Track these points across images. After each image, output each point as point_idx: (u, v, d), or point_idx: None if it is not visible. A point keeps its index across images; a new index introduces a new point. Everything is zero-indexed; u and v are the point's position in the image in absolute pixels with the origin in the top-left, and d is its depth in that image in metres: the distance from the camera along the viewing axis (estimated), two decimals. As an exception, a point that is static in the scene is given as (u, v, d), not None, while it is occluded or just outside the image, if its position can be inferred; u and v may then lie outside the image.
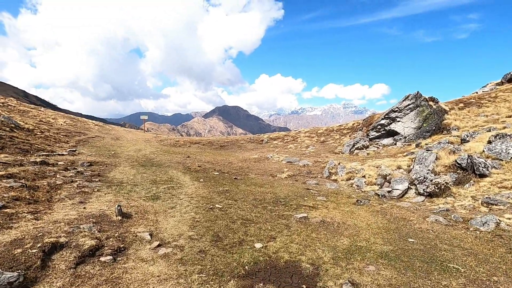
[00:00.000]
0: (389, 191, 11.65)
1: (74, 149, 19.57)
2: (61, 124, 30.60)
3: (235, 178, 13.95)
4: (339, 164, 15.77)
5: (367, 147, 19.73)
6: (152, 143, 29.16)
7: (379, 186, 12.65)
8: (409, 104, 19.47)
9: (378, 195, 11.62)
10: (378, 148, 19.59)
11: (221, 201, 9.75)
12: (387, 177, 12.66)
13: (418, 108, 19.36)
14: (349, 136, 23.31)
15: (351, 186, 13.35)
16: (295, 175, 14.89)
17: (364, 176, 13.67)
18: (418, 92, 19.51)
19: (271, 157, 20.13)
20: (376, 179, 13.13)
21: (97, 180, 11.76)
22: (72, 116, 40.31)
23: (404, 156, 16.23)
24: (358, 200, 10.62)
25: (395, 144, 19.84)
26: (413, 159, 13.95)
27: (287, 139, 27.83)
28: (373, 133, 21.13)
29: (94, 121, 41.37)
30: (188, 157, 20.51)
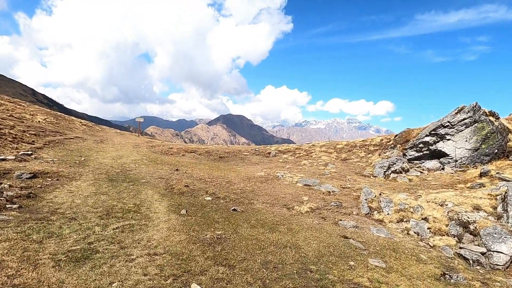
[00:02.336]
0: (483, 253, 7.14)
1: (31, 152, 15.32)
2: (38, 122, 26.50)
3: (233, 210, 9.52)
4: (380, 195, 11.29)
5: (407, 170, 15.25)
6: (141, 149, 24.90)
7: (456, 239, 8.15)
8: (464, 119, 15.06)
9: (465, 258, 7.11)
10: (422, 172, 15.10)
11: (204, 269, 5.30)
12: (470, 226, 8.15)
13: (476, 124, 14.95)
14: (379, 154, 18.86)
15: (408, 234, 8.85)
16: (320, 209, 10.43)
17: (425, 219, 9.19)
18: (476, 103, 15.17)
19: (282, 176, 15.70)
20: (447, 226, 8.64)
21: (15, 207, 7.40)
22: (58, 114, 36.34)
23: (468, 188, 11.75)
24: (443, 273, 6.13)
25: (443, 168, 15.37)
26: (499, 197, 9.45)
27: (299, 153, 23.42)
28: (412, 153, 16.68)
29: (82, 121, 37.36)
30: (177, 169, 16.17)
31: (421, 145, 16.23)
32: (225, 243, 6.58)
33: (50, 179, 10.99)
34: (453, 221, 8.65)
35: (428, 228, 8.77)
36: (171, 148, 26.31)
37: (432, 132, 15.78)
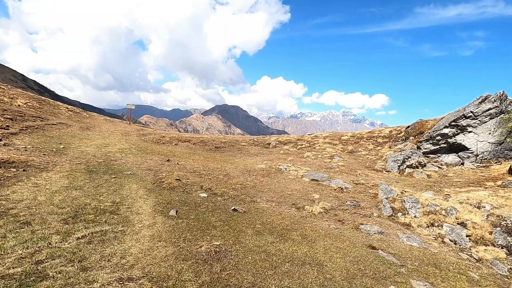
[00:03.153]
0: (548, 272, 5.68)
1: (0, 137, 13.46)
2: (18, 106, 24.38)
3: (234, 210, 7.94)
4: (402, 193, 9.80)
5: (423, 165, 13.80)
6: (130, 138, 23.06)
7: (505, 250, 6.71)
8: (489, 109, 13.59)
9: (527, 278, 5.64)
10: (441, 168, 13.67)
11: (198, 304, 3.72)
12: (523, 235, 6.69)
13: (501, 115, 13.49)
14: (389, 147, 17.39)
15: (443, 243, 7.39)
16: (335, 209, 8.90)
17: (462, 224, 7.73)
18: (503, 92, 13.69)
19: (286, 169, 14.15)
20: (491, 233, 7.19)
21: (-49, 206, 5.69)
22: (42, 98, 34.00)
23: (501, 187, 10.35)
24: (515, 303, 4.64)
25: (462, 163, 13.96)
26: (547, 199, 8.01)
27: (301, 144, 21.86)
28: (427, 146, 15.24)
29: (69, 106, 35.11)
30: (168, 160, 14.47)
31: (438, 138, 14.76)
32: (226, 259, 5.00)
33: (14, 170, 9.24)
34: (499, 228, 7.20)
35: (467, 236, 7.32)
36: (163, 136, 24.51)
37: (452, 123, 14.30)
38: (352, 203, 9.28)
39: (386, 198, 9.42)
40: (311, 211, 8.58)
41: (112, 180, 9.80)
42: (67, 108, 33.31)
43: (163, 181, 10.20)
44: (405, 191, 9.97)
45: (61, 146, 14.78)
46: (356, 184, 11.68)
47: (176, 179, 10.45)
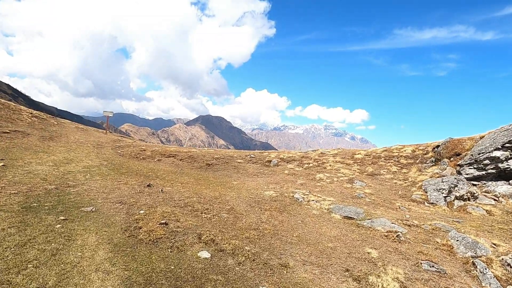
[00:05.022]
0: None
1: None
2: (-37, 108, 19.92)
3: (263, 295, 4.55)
4: (493, 247, 6.78)
5: (476, 197, 11.01)
6: (103, 151, 19.11)
7: None
8: (553, 128, 11.15)
9: None
10: (497, 200, 10.93)
11: None
12: None
13: None
14: (419, 170, 14.61)
15: None
16: (412, 279, 5.72)
17: None
18: None
19: (303, 198, 10.93)
20: None
21: None
22: (2, 101, 29.22)
23: None
24: None
25: (517, 194, 11.29)
26: None
27: (308, 163, 18.77)
28: (471, 171, 12.57)
29: (34, 112, 30.44)
30: (149, 185, 10.85)
31: (486, 162, 12.12)
32: None
33: None
34: None
35: None
36: (144, 150, 20.68)
37: (506, 144, 11.72)
38: (432, 267, 6.14)
39: (478, 258, 6.36)
40: (383, 287, 5.33)
41: (58, 226, 6.18)
42: (31, 113, 28.65)
43: (141, 227, 6.65)
44: (495, 245, 6.97)
45: (0, 164, 10.84)
46: (409, 226, 8.59)
47: (161, 223, 6.93)
